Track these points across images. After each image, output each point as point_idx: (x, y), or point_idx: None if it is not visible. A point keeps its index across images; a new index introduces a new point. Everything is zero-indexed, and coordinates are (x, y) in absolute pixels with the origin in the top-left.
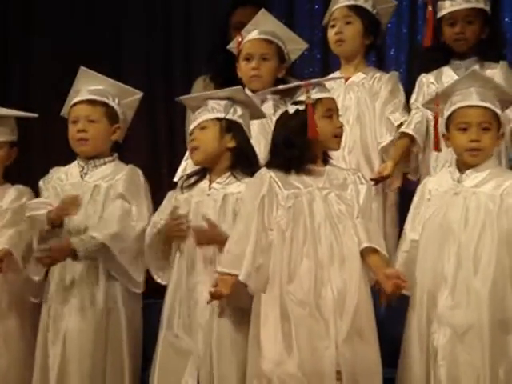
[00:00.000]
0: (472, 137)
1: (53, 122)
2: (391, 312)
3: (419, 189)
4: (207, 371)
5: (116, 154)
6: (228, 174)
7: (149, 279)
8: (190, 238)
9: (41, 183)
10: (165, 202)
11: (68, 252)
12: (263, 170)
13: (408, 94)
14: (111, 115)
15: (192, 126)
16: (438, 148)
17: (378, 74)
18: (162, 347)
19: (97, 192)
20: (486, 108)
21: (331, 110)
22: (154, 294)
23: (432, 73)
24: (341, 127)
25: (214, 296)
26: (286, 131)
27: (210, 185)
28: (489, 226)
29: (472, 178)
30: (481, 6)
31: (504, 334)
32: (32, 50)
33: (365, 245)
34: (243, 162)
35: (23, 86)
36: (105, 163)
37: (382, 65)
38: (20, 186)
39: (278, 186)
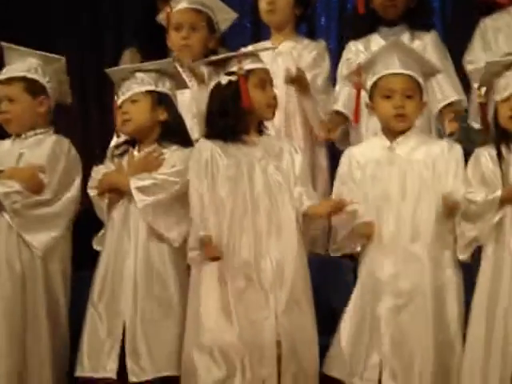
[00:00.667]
0: (397, 104)
1: None
2: (325, 280)
3: (345, 159)
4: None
5: (52, 128)
6: (155, 144)
7: (82, 250)
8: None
9: None
10: (93, 173)
11: None
12: (202, 140)
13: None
14: (33, 88)
15: (122, 99)
16: (357, 120)
17: (305, 42)
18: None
19: (21, 160)
20: (409, 76)
21: (264, 80)
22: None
23: (361, 40)
24: (274, 97)
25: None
26: (220, 101)
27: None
28: (425, 194)
29: (403, 145)
30: None
31: (442, 300)
32: None
33: (307, 203)
34: (173, 133)
35: None
36: (35, 134)
37: (312, 35)
38: None
39: (219, 155)
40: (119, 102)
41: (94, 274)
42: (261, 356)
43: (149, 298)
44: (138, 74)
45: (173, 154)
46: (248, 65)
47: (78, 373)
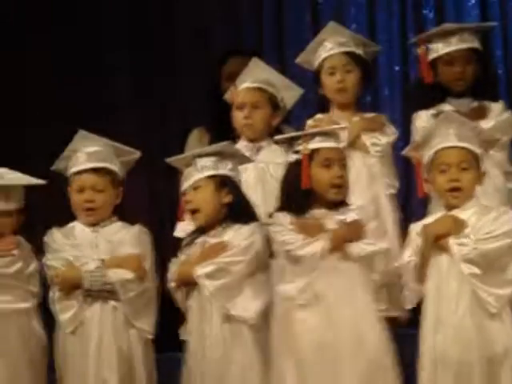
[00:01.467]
0: (451, 177)
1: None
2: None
3: (409, 231)
4: None
5: (116, 217)
6: (222, 226)
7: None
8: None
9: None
10: (171, 265)
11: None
12: (281, 214)
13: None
14: (115, 180)
15: (185, 186)
16: (421, 194)
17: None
18: None
19: (109, 248)
20: (464, 148)
21: (329, 159)
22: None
23: (433, 109)
24: (341, 177)
25: None
26: (286, 180)
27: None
28: None
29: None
30: (476, 45)
31: None
32: None
33: None
34: (239, 213)
35: None
36: (111, 223)
37: (375, 107)
38: None
39: None
40: (182, 189)
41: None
42: None
43: None
44: (198, 160)
45: (236, 233)
46: (313, 144)
47: None
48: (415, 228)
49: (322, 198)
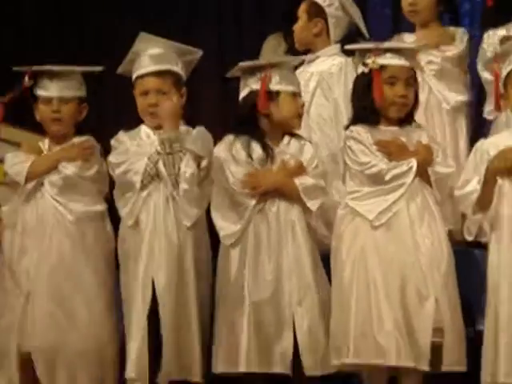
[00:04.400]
0: None
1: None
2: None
3: (477, 150)
4: None
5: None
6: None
7: None
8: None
9: (113, 142)
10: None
11: None
12: (361, 129)
13: None
14: (178, 82)
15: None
16: (498, 108)
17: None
18: None
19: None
20: None
21: (395, 77)
22: None
23: (503, 27)
24: (403, 96)
25: None
26: (356, 92)
27: None
28: None
29: None
30: None
31: None
32: None
33: None
34: None
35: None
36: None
37: (456, 22)
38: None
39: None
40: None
41: None
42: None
43: None
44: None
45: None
46: (382, 59)
47: None
48: (483, 147)
49: (385, 114)
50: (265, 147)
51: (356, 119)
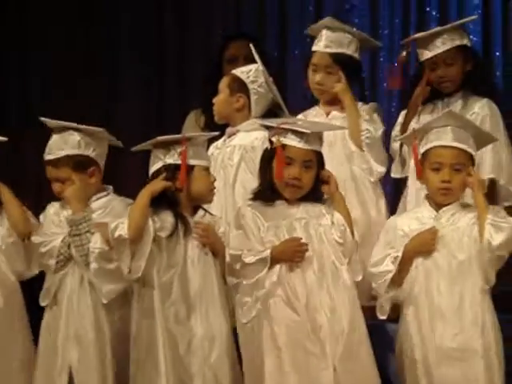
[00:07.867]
0: (444, 177)
1: None
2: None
3: (389, 227)
4: None
5: (109, 187)
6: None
7: None
8: None
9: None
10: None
11: None
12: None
13: None
14: (80, 165)
15: None
16: (421, 176)
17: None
18: None
19: None
20: (459, 149)
21: (290, 158)
22: None
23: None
24: (294, 178)
25: None
26: (260, 165)
27: None
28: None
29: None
30: (457, 43)
31: None
32: None
33: None
34: None
35: None
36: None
37: (363, 97)
38: None
39: (259, 218)
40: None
41: None
42: None
43: None
44: None
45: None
46: (284, 139)
47: None
48: (395, 224)
49: (281, 193)
50: (182, 219)
51: (256, 194)
